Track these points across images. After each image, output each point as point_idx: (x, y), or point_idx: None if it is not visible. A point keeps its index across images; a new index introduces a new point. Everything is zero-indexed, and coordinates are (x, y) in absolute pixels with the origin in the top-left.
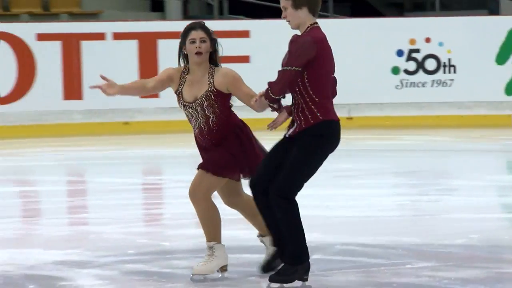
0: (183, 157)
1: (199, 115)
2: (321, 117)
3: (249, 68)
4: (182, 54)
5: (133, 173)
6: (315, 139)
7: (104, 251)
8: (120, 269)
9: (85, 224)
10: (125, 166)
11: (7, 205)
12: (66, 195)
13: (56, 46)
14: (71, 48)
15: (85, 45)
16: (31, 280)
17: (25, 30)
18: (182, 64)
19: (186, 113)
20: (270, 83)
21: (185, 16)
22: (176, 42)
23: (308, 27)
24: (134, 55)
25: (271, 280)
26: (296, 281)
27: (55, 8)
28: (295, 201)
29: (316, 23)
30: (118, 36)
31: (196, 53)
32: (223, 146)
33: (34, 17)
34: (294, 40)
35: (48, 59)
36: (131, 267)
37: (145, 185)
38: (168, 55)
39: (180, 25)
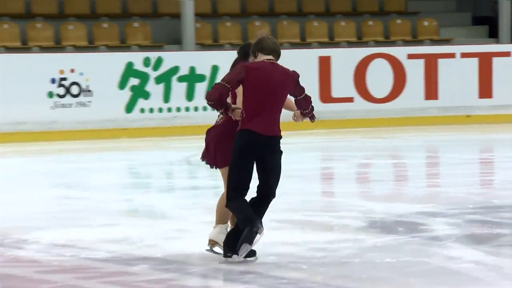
0: (509, 140)
1: None
2: (240, 128)
3: None
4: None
5: (472, 151)
6: (234, 146)
7: (451, 205)
8: (462, 218)
9: (438, 186)
10: (465, 147)
11: (385, 173)
12: (425, 166)
13: (420, 63)
14: (431, 64)
15: (441, 62)
16: (400, 225)
17: (399, 52)
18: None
19: None
20: (208, 91)
21: None
22: (507, 59)
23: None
24: (475, 69)
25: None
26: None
27: (421, 36)
28: (233, 201)
29: (270, 58)
30: (464, 55)
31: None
32: None
33: (406, 42)
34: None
35: (415, 72)
36: (470, 217)
37: (481, 160)
38: (500, 69)
39: (509, 47)
